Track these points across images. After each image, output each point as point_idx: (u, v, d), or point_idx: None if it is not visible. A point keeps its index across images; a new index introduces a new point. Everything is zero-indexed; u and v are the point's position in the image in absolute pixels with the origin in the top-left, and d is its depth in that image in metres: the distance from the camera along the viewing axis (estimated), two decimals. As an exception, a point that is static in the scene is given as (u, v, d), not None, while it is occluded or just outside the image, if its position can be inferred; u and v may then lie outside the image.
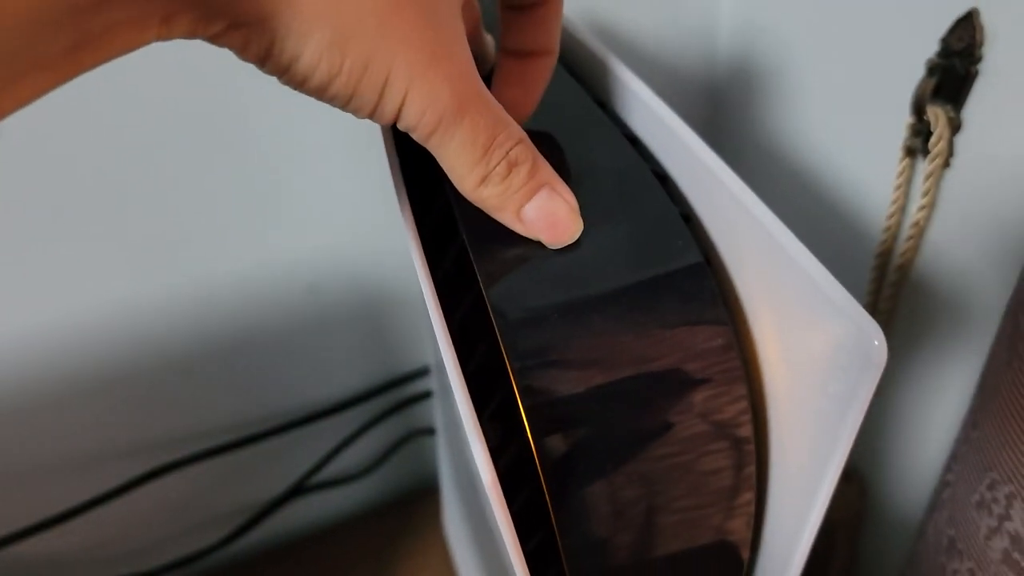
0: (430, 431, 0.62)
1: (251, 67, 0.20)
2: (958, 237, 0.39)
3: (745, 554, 0.25)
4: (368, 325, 0.55)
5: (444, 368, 0.34)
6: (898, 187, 0.40)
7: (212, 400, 0.52)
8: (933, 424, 0.44)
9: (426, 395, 0.59)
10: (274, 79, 0.20)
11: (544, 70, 0.26)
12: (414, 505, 0.62)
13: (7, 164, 0.39)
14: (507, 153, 0.22)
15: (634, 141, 0.27)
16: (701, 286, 0.22)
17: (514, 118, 0.27)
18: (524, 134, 0.23)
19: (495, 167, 0.22)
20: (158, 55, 0.39)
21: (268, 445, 0.54)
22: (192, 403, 0.52)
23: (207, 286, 0.48)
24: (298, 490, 0.58)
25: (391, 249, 0.52)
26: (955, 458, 0.33)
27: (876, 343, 0.19)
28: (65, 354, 0.46)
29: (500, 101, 0.26)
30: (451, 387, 0.21)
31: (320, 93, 0.20)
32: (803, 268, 0.20)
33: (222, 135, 0.43)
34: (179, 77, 0.40)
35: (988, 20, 0.34)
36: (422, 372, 0.58)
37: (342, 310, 0.53)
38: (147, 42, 0.18)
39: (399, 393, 0.59)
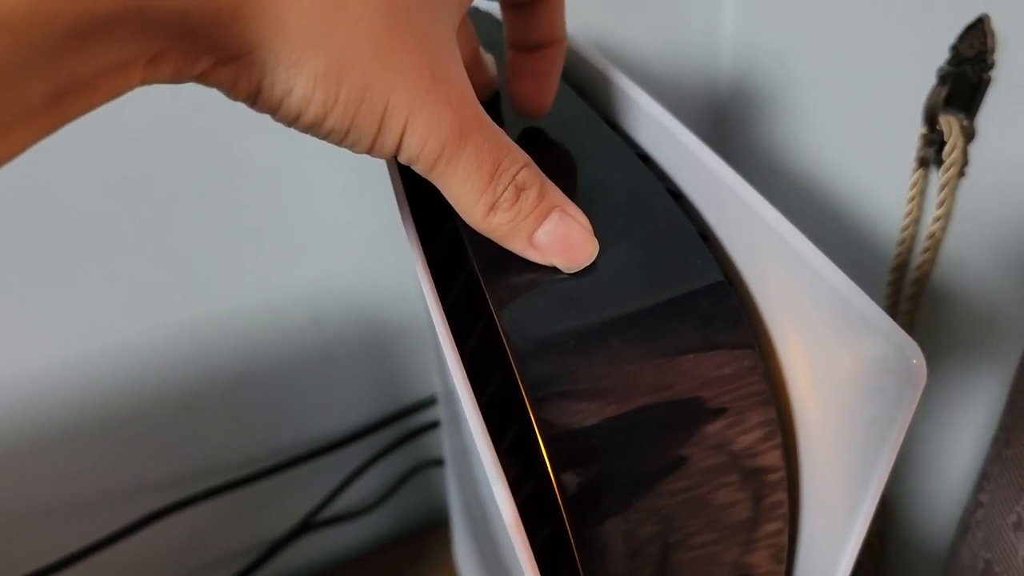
0: (439, 462, 0.61)
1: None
2: (976, 247, 0.38)
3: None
4: (372, 356, 0.54)
5: (454, 398, 0.32)
6: (912, 199, 0.39)
7: (215, 438, 0.51)
8: (957, 442, 0.42)
9: (433, 425, 0.58)
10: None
11: (556, 59, 0.26)
12: (425, 538, 0.60)
13: (2, 207, 0.38)
14: (513, 178, 0.21)
15: (645, 160, 0.26)
16: (723, 306, 0.21)
17: (534, 110, 0.27)
18: (528, 157, 0.22)
19: (503, 193, 0.21)
20: (154, 88, 0.39)
21: (273, 482, 0.53)
22: (195, 441, 0.51)
23: (207, 321, 0.47)
24: (306, 527, 0.56)
25: (394, 278, 0.51)
26: (987, 478, 0.32)
27: (915, 362, 0.18)
28: (64, 394, 0.45)
29: (518, 95, 0.27)
30: (464, 419, 0.20)
31: (315, 128, 0.19)
32: (832, 285, 0.19)
33: (220, 166, 0.42)
34: (175, 112, 0.39)
35: (999, 25, 0.33)
36: (429, 402, 0.57)
37: (345, 342, 0.52)
38: (132, 86, 0.17)
39: (406, 424, 0.58)
